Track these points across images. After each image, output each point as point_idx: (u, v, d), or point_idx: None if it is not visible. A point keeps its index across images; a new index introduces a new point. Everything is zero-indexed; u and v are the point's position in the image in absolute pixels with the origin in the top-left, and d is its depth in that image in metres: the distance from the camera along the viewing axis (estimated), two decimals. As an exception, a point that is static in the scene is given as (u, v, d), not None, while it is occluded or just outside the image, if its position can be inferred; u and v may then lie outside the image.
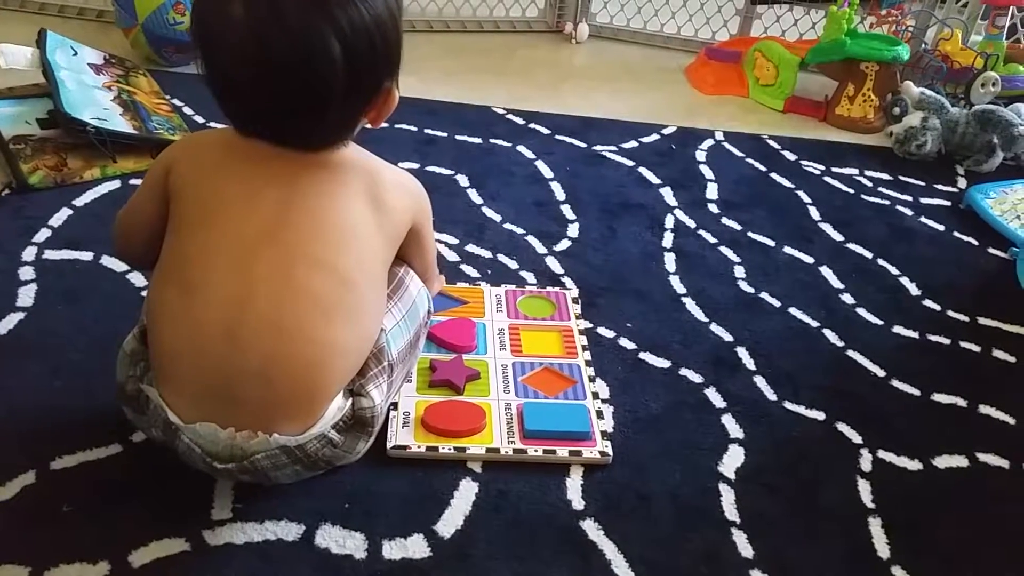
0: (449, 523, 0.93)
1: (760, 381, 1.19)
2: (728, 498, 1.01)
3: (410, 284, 0.96)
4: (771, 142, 1.88)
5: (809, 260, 1.48)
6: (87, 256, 1.27)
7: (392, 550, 0.90)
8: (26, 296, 1.18)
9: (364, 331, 0.85)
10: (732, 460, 1.06)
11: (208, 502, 0.92)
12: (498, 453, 1.01)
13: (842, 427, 1.13)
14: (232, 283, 0.78)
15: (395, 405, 1.05)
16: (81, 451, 0.96)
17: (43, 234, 1.30)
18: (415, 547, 0.90)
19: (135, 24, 1.80)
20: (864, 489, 1.04)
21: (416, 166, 1.63)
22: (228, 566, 0.86)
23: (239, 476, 0.85)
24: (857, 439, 1.11)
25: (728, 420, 1.12)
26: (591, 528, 0.95)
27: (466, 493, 0.97)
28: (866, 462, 1.08)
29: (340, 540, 0.90)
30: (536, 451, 1.02)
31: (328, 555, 0.88)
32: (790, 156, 1.83)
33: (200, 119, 1.64)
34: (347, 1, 0.72)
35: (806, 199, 1.67)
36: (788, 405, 1.15)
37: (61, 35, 1.66)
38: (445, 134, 1.76)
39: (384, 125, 1.71)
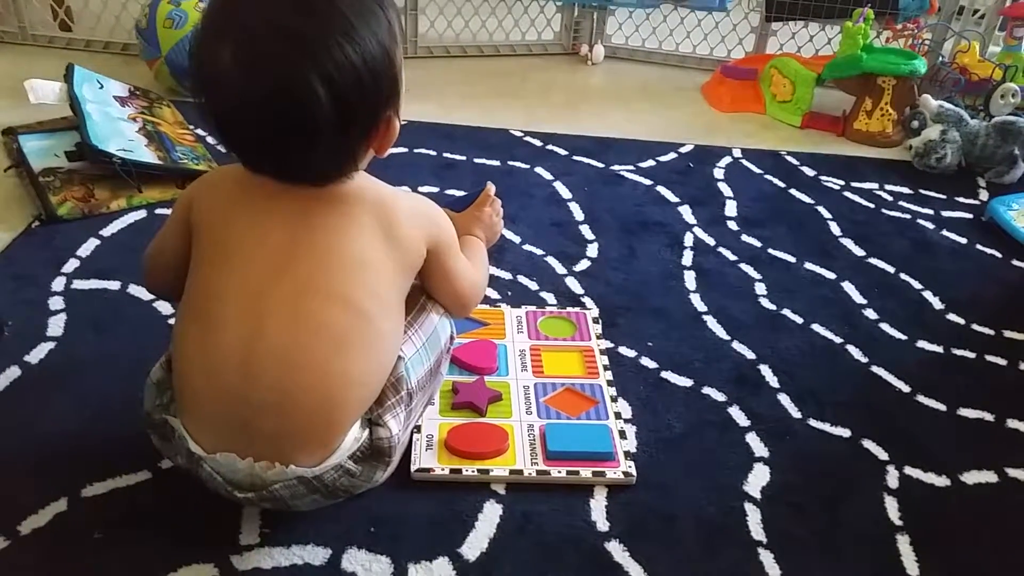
0: (474, 546, 0.94)
1: (784, 399, 1.19)
2: (754, 518, 1.00)
3: (432, 310, 0.96)
4: (789, 158, 1.88)
5: (831, 276, 1.48)
6: (115, 285, 1.29)
7: (418, 573, 0.90)
8: (56, 326, 1.20)
9: (380, 361, 0.85)
10: (757, 479, 1.05)
11: (236, 527, 0.93)
12: (522, 475, 1.01)
13: (868, 444, 1.12)
14: (244, 319, 0.80)
15: (418, 428, 1.05)
16: (111, 478, 0.97)
17: (72, 264, 1.33)
18: (441, 570, 0.90)
19: (159, 56, 1.84)
20: (891, 506, 1.03)
21: (435, 190, 1.65)
22: (256, 590, 0.87)
23: (260, 504, 0.86)
24: (883, 456, 1.10)
25: (752, 438, 1.11)
26: (616, 550, 0.95)
27: (490, 515, 0.97)
28: (893, 479, 1.07)
29: (366, 564, 0.90)
30: (560, 472, 1.02)
31: (355, 579, 0.89)
32: (809, 172, 1.83)
33: (223, 148, 1.66)
34: (332, 43, 0.73)
35: (826, 214, 1.67)
36: (813, 422, 1.15)
37: (88, 69, 1.70)
38: (464, 157, 1.78)
39: (403, 150, 1.76)
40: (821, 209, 1.69)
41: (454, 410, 1.09)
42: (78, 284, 1.29)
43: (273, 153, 0.79)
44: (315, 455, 0.82)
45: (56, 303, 1.25)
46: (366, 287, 0.83)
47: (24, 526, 0.92)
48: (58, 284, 1.29)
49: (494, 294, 1.35)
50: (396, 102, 0.82)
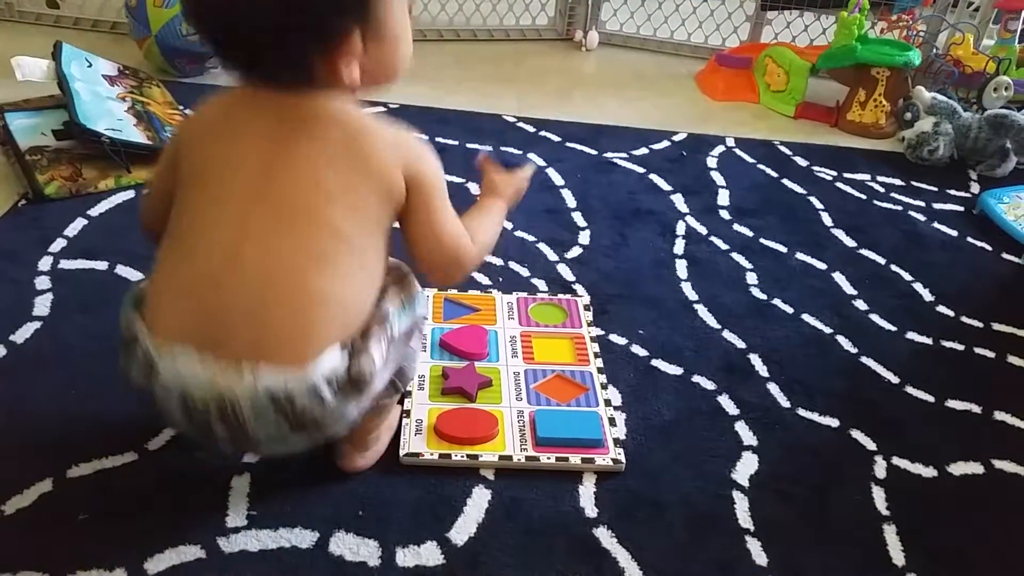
0: (462, 530, 0.93)
1: (773, 388, 1.19)
2: (742, 505, 1.00)
3: (415, 282, 0.94)
4: (782, 148, 1.88)
5: (822, 266, 1.48)
6: (102, 265, 1.28)
7: (406, 557, 0.90)
8: (42, 306, 1.19)
9: (359, 284, 0.83)
10: (746, 467, 1.05)
11: (223, 510, 0.92)
12: (511, 461, 1.01)
13: (856, 434, 1.12)
14: (222, 241, 0.78)
15: (408, 413, 1.05)
16: (97, 459, 0.97)
17: (59, 244, 1.32)
18: (428, 554, 0.90)
19: (148, 35, 1.82)
20: (879, 496, 1.04)
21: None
22: (243, 573, 0.86)
23: (217, 428, 0.79)
24: (871, 446, 1.11)
25: (741, 427, 1.12)
26: (604, 536, 0.95)
27: (479, 501, 0.97)
28: (880, 469, 1.08)
29: (354, 547, 0.90)
30: (549, 459, 1.02)
31: (342, 562, 0.89)
32: (802, 162, 1.83)
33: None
34: None
35: (818, 205, 1.67)
36: (801, 412, 1.15)
37: (76, 47, 1.68)
38: (456, 142, 1.77)
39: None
40: (813, 199, 1.69)
41: (444, 395, 1.09)
42: (65, 264, 1.28)
43: (240, 49, 0.79)
44: (287, 368, 0.77)
45: (42, 283, 1.23)
46: (343, 211, 0.80)
47: (8, 506, 0.91)
48: (44, 264, 1.27)
49: (485, 280, 1.35)
50: (362, 16, 0.78)
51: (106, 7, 2.15)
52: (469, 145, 1.76)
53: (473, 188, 1.60)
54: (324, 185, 0.80)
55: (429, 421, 1.04)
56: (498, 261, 1.40)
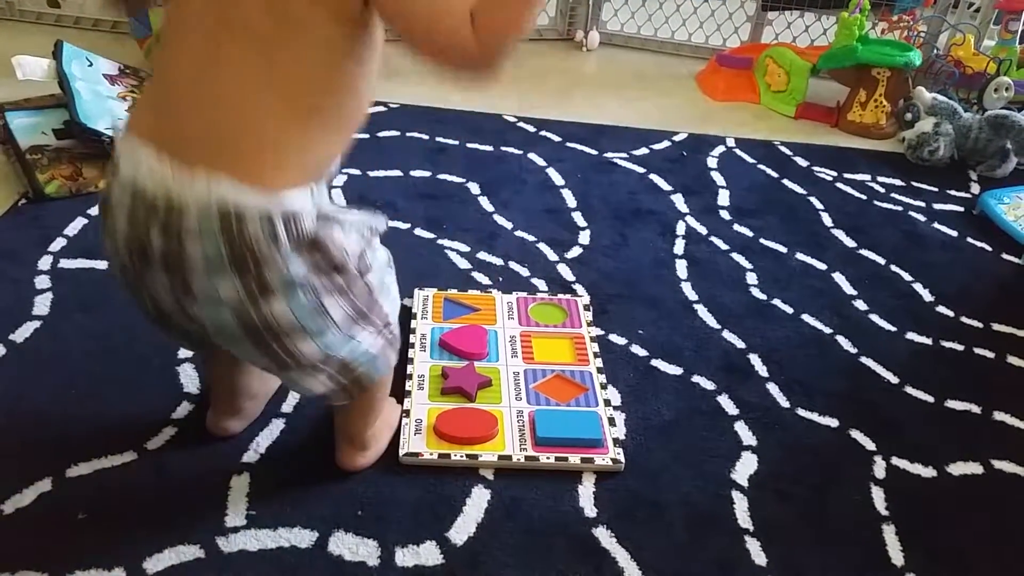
0: (462, 530, 0.93)
1: (773, 388, 1.19)
2: (741, 505, 1.00)
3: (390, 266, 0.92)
4: (783, 148, 1.88)
5: (822, 267, 1.48)
6: (102, 265, 1.28)
7: (405, 557, 0.90)
8: (42, 305, 1.19)
9: (313, 75, 0.74)
10: (745, 467, 1.05)
11: (222, 509, 0.92)
12: (510, 460, 1.01)
13: (855, 434, 1.12)
14: (189, 47, 0.73)
15: (407, 413, 1.05)
16: (96, 459, 0.97)
17: (59, 243, 1.32)
18: (428, 554, 0.90)
19: (149, 35, 1.82)
20: (878, 496, 1.04)
21: (427, 174, 1.64)
22: (242, 573, 0.86)
23: (154, 241, 0.74)
24: (871, 446, 1.11)
25: (741, 427, 1.11)
26: (604, 535, 0.95)
27: (478, 500, 0.97)
28: (880, 469, 1.08)
29: (353, 547, 0.90)
30: (548, 458, 1.02)
31: (341, 562, 0.89)
32: (802, 162, 1.83)
33: None
34: None
35: (818, 205, 1.67)
36: (801, 412, 1.15)
37: (77, 46, 1.68)
38: (456, 142, 1.77)
39: (395, 133, 1.75)
40: (813, 200, 1.69)
41: (444, 395, 1.09)
42: (65, 263, 1.28)
43: None
44: (247, 190, 0.71)
45: (42, 282, 1.23)
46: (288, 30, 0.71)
47: (8, 505, 0.91)
48: (45, 263, 1.27)
49: (485, 280, 1.35)
50: None
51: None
52: (469, 145, 1.76)
53: (473, 188, 1.60)
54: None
55: (429, 421, 1.04)
56: (498, 261, 1.40)
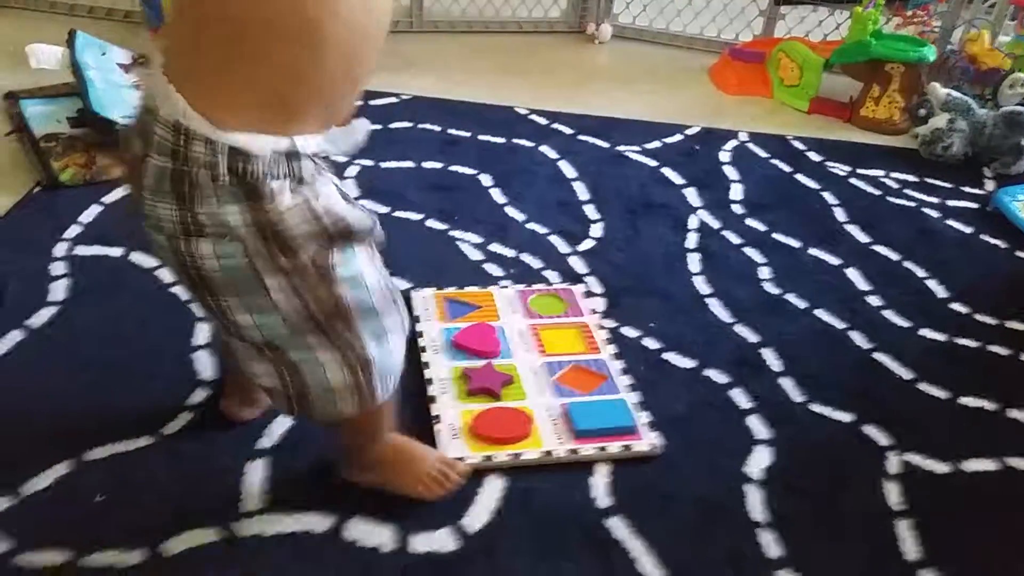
0: (476, 519, 0.94)
1: (786, 382, 1.19)
2: (754, 499, 1.00)
3: (396, 311, 0.83)
4: (796, 143, 1.87)
5: (835, 262, 1.48)
6: (117, 252, 1.28)
7: (420, 543, 0.90)
8: (58, 291, 1.20)
9: None
10: (758, 461, 1.06)
11: (238, 494, 0.93)
12: (552, 456, 1.01)
13: (869, 429, 1.12)
14: None
15: (438, 418, 1.05)
16: (113, 443, 0.97)
17: (74, 230, 1.32)
18: (442, 541, 0.91)
19: (162, 24, 1.82)
20: (891, 491, 1.04)
21: (440, 166, 1.64)
22: (258, 557, 0.87)
23: (136, 149, 0.72)
24: (884, 441, 1.11)
25: (753, 421, 1.12)
26: (616, 526, 0.95)
27: (492, 490, 0.97)
28: (893, 465, 1.08)
29: (369, 532, 0.90)
30: (589, 450, 1.02)
31: (357, 547, 0.89)
32: (815, 157, 1.82)
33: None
34: None
35: (832, 200, 1.67)
36: (814, 407, 1.15)
37: (90, 35, 1.68)
38: (468, 134, 1.77)
39: (407, 124, 1.75)
40: (827, 195, 1.68)
41: (470, 396, 1.08)
42: (80, 250, 1.28)
43: None
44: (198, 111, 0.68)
45: (58, 268, 1.24)
46: None
47: (26, 487, 0.92)
48: (60, 250, 1.28)
49: (498, 271, 1.35)
50: None
51: (120, -5, 2.16)
52: (481, 137, 1.76)
53: (485, 180, 1.60)
54: None
55: (462, 423, 1.04)
56: (510, 253, 1.40)
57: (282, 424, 1.02)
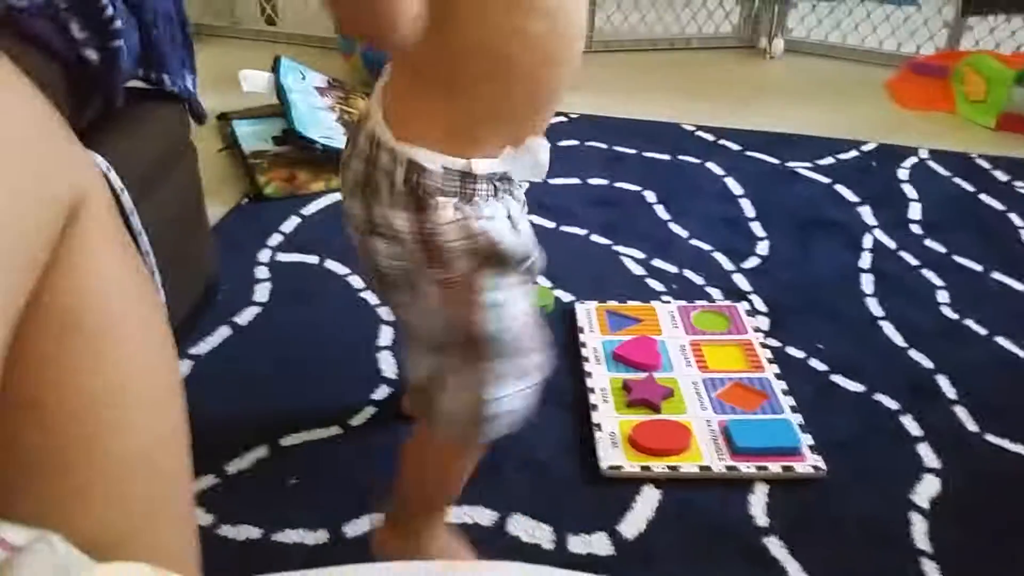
0: (632, 525, 0.97)
1: (961, 411, 1.14)
2: (920, 528, 0.98)
3: (532, 360, 0.82)
4: (981, 161, 1.78)
5: (1021, 287, 1.39)
6: (314, 260, 1.41)
7: (577, 544, 0.95)
8: (262, 293, 1.33)
9: (421, 87, 0.73)
10: (926, 490, 1.03)
11: (413, 485, 1.01)
12: (710, 471, 1.03)
13: (1053, 465, 1.06)
14: None
15: (599, 426, 1.09)
16: (306, 431, 1.08)
17: (276, 238, 1.47)
18: (599, 544, 0.95)
19: (355, 52, 1.97)
20: (1077, 532, 0.98)
21: (604, 182, 1.68)
22: (430, 544, 0.94)
23: (346, 151, 0.79)
24: (1070, 479, 1.05)
25: (924, 449, 1.08)
26: (775, 545, 0.95)
27: (649, 499, 1.00)
28: (1080, 504, 1.01)
29: (529, 530, 0.96)
30: (748, 468, 1.03)
31: (519, 543, 0.95)
32: (1002, 176, 1.72)
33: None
34: None
35: (1019, 222, 1.57)
36: (990, 438, 1.10)
37: (292, 60, 1.86)
38: (633, 151, 1.80)
39: (574, 143, 1.81)
40: (1013, 216, 1.59)
41: (629, 407, 1.12)
42: (281, 256, 1.43)
43: None
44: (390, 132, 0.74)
45: (262, 272, 1.38)
46: None
47: (230, 467, 1.04)
48: (264, 255, 1.42)
49: (659, 287, 1.38)
50: None
51: (316, 24, 2.35)
52: (646, 154, 1.79)
53: (649, 196, 1.63)
54: None
55: (621, 432, 1.07)
56: (672, 269, 1.42)
57: (454, 423, 1.10)
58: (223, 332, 1.25)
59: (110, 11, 0.94)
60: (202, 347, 1.22)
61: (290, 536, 0.96)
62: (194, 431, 0.61)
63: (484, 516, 0.97)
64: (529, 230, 0.79)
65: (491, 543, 0.94)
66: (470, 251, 0.74)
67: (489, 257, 0.75)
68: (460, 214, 0.73)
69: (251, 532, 0.96)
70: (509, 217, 0.76)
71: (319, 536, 0.96)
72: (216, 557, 0.92)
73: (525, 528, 0.96)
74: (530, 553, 0.93)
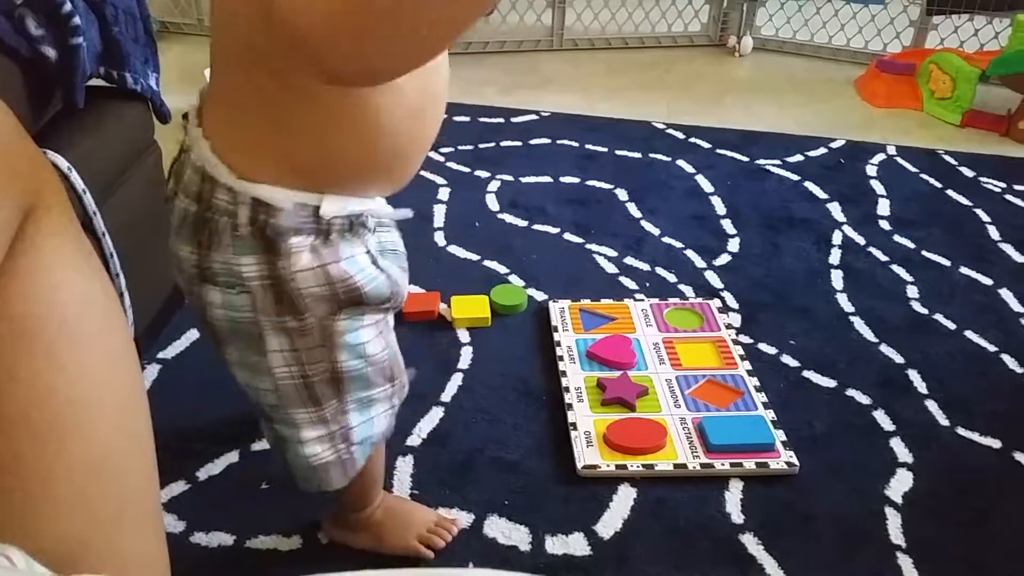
0: (608, 525, 0.97)
1: (932, 405, 1.15)
2: (894, 522, 0.98)
3: (389, 386, 0.79)
4: (947, 158, 1.80)
5: (987, 282, 1.41)
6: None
7: (554, 545, 0.94)
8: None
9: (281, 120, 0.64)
10: (900, 484, 1.03)
11: (389, 487, 1.00)
12: (685, 468, 1.03)
13: (1020, 457, 1.08)
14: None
15: (574, 426, 1.08)
16: (277, 435, 1.06)
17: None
18: (576, 544, 0.94)
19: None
20: (1046, 524, 0.99)
21: (576, 180, 1.68)
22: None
23: (170, 188, 0.72)
24: (1039, 471, 1.06)
25: (897, 443, 1.09)
26: (750, 542, 0.96)
27: (625, 498, 1.00)
28: (1049, 495, 1.03)
29: (506, 532, 0.95)
30: (723, 465, 1.03)
31: (495, 544, 0.94)
32: (968, 172, 1.75)
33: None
34: None
35: (985, 218, 1.59)
36: (961, 431, 1.11)
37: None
38: (605, 149, 1.80)
39: (546, 141, 1.80)
40: (980, 212, 1.61)
41: (604, 406, 1.11)
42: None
43: None
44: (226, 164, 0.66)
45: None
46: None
47: (201, 473, 1.02)
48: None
49: (632, 284, 1.37)
50: None
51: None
52: (618, 152, 1.79)
53: (621, 194, 1.63)
54: None
55: (597, 432, 1.07)
56: (645, 267, 1.42)
57: (430, 422, 1.09)
58: (191, 335, 1.22)
59: (68, 7, 0.91)
60: (170, 351, 1.20)
61: (264, 542, 0.94)
62: (163, 437, 0.60)
63: (461, 519, 0.96)
64: (396, 264, 0.75)
65: (468, 546, 0.93)
66: (328, 297, 0.69)
67: (347, 302, 0.71)
68: (317, 259, 0.68)
69: (223, 539, 0.94)
70: (369, 253, 0.71)
71: (293, 542, 0.94)
72: (188, 565, 0.90)
73: (502, 530, 0.95)
74: (507, 555, 0.93)
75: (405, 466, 1.03)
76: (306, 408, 0.75)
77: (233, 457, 1.04)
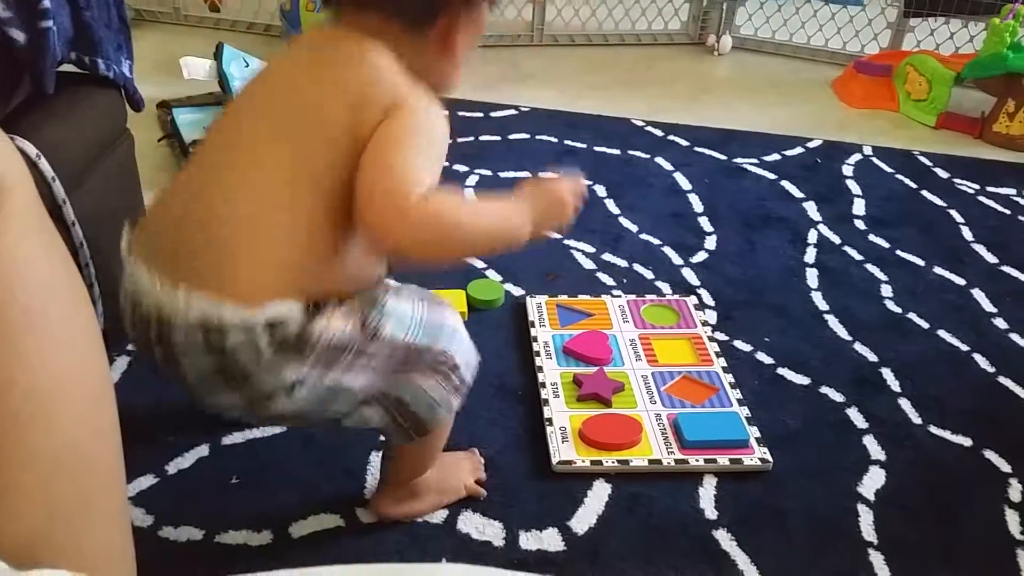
0: (583, 521, 0.96)
1: (905, 403, 1.16)
2: (866, 519, 0.99)
3: (448, 312, 0.85)
4: (922, 159, 1.82)
5: (960, 282, 1.43)
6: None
7: (528, 541, 0.93)
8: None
9: (318, 242, 0.73)
10: (872, 481, 1.04)
11: (362, 482, 0.99)
12: (660, 464, 1.03)
13: (990, 455, 1.09)
14: (193, 178, 0.78)
15: (550, 421, 1.08)
16: (249, 430, 1.05)
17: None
18: (550, 540, 0.94)
19: (300, 38, 1.93)
20: (1012, 520, 1.00)
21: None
22: (379, 542, 0.92)
23: (155, 349, 0.74)
24: (1006, 468, 1.07)
25: (870, 441, 1.10)
26: (724, 538, 0.96)
27: (600, 494, 1.00)
28: (1015, 492, 1.04)
29: (480, 527, 0.94)
30: (697, 461, 1.03)
31: (469, 540, 0.93)
32: (942, 174, 1.76)
33: None
34: None
35: (959, 218, 1.61)
36: (933, 429, 1.12)
37: (234, 48, 1.81)
38: (584, 145, 1.80)
39: (525, 136, 1.80)
40: (953, 212, 1.63)
41: (580, 402, 1.11)
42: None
43: None
44: (226, 304, 0.70)
45: (203, 265, 1.34)
46: (301, 162, 0.74)
47: (170, 467, 1.00)
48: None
49: (610, 281, 1.37)
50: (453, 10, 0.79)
51: (261, 10, 2.30)
52: (597, 148, 1.79)
53: (600, 191, 1.63)
54: (307, 121, 0.74)
55: (572, 427, 1.07)
56: (623, 263, 1.42)
57: (402, 419, 1.08)
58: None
59: (39, -11, 0.90)
60: (140, 342, 1.18)
61: (234, 537, 0.93)
62: (133, 429, 0.59)
63: (435, 514, 0.96)
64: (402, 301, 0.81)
65: (441, 541, 0.93)
66: (360, 331, 0.76)
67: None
68: (350, 316, 0.75)
69: (193, 533, 0.93)
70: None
71: (264, 537, 0.93)
72: (157, 559, 0.89)
73: (475, 525, 0.95)
74: (480, 551, 0.92)
75: (379, 460, 1.02)
76: (408, 372, 0.80)
77: (203, 451, 1.02)
